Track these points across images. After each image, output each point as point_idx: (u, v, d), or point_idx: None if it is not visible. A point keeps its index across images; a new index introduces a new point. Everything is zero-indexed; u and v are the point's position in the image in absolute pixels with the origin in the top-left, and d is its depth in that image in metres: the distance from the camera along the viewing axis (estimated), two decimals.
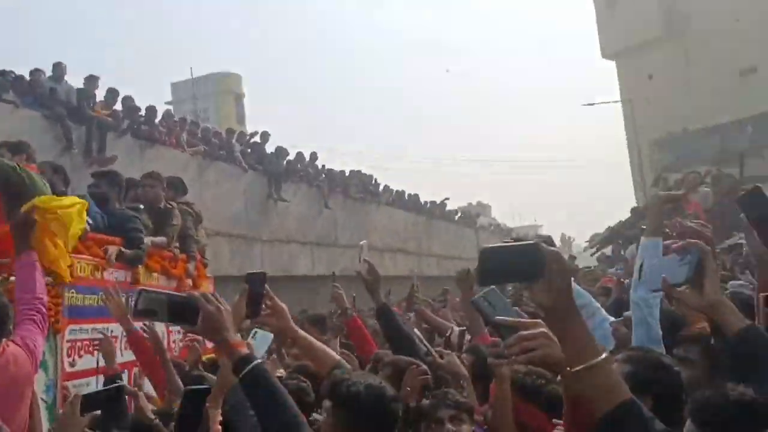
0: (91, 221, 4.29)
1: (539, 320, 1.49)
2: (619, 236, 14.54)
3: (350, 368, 2.52)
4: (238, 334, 1.90)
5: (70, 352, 3.80)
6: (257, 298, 2.21)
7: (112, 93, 11.72)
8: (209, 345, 4.77)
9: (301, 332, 2.57)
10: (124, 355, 3.99)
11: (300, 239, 16.28)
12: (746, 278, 4.38)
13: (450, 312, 5.77)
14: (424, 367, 2.41)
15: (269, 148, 16.05)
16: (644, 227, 2.82)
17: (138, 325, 3.79)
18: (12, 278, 3.09)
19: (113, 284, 4.08)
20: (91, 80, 11.21)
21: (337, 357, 2.50)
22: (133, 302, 1.81)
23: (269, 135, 16.27)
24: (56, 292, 3.62)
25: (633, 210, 15.58)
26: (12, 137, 5.22)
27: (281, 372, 3.35)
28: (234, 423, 2.23)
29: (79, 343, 3.90)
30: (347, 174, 19.57)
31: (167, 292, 1.92)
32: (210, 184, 13.33)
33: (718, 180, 11.11)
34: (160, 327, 4.72)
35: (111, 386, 2.71)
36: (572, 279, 1.35)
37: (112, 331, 4.04)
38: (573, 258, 13.94)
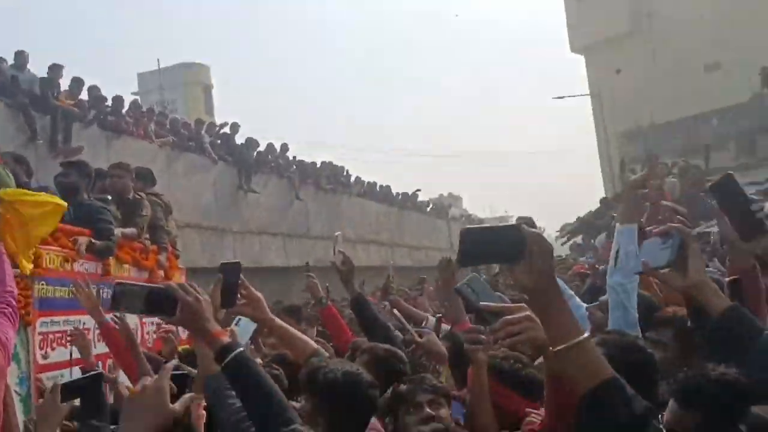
0: None
1: (523, 304, 1.52)
2: (588, 226, 14.81)
3: (328, 356, 2.54)
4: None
5: (42, 344, 3.75)
6: (232, 288, 2.21)
7: (77, 82, 11.46)
8: (184, 336, 4.75)
9: (278, 321, 2.58)
10: (98, 347, 3.94)
11: (271, 231, 16.18)
12: (714, 265, 4.51)
13: (427, 300, 5.81)
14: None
15: (239, 139, 15.93)
16: (615, 215, 2.88)
17: (109, 316, 3.74)
18: None
19: (83, 276, 4.02)
20: (55, 69, 10.94)
21: (315, 345, 2.51)
22: (111, 295, 1.79)
23: (239, 126, 16.12)
24: (25, 285, 3.56)
25: (602, 200, 15.88)
26: None
27: (258, 361, 3.35)
28: (213, 411, 2.23)
29: (51, 336, 3.84)
30: (318, 165, 19.50)
31: (144, 284, 1.91)
32: (179, 176, 13.17)
33: (685, 171, 11.35)
34: (133, 319, 4.68)
35: (90, 373, 2.69)
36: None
37: (84, 324, 3.98)
38: None
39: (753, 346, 1.67)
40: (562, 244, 16.53)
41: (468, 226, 1.32)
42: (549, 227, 18.83)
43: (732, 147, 21.66)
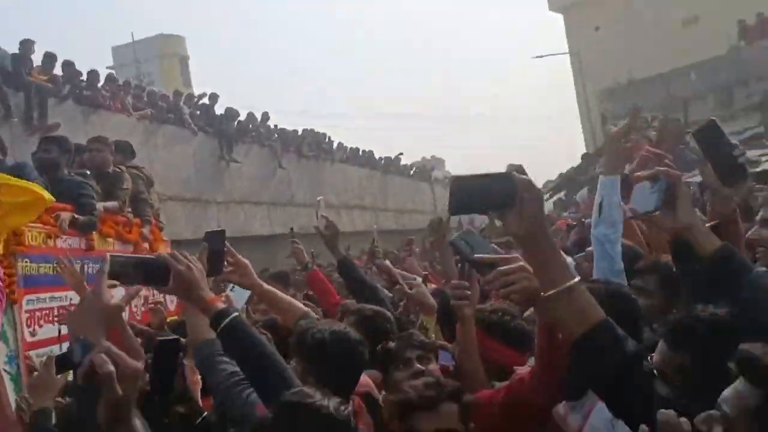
0: None
1: (517, 255, 1.52)
2: (570, 181, 14.92)
3: (317, 318, 2.56)
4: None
5: (29, 322, 3.74)
6: (218, 256, 2.21)
7: (49, 57, 11.20)
8: (172, 308, 4.77)
9: (266, 286, 2.59)
10: None
11: (255, 200, 16.13)
12: None
13: (415, 261, 5.86)
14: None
15: (218, 109, 15.73)
16: (598, 168, 2.90)
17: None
18: None
19: (66, 252, 4.00)
20: (26, 44, 10.64)
21: (304, 308, 2.54)
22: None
23: (218, 96, 15.91)
24: (9, 263, 3.53)
25: (583, 156, 15.99)
26: None
27: None
28: (205, 377, 2.25)
29: (38, 313, 3.83)
30: (300, 133, 19.35)
31: (135, 255, 1.91)
32: (159, 149, 13.02)
33: (665, 125, 11.40)
34: (120, 293, 4.67)
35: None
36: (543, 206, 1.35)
37: (71, 300, 3.97)
38: None
39: (743, 284, 1.68)
40: (545, 201, 16.66)
41: (458, 174, 1.30)
42: None
43: (710, 100, 21.74)
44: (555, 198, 16.35)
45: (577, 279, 1.30)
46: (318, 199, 3.66)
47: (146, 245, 5.38)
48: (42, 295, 3.90)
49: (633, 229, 3.29)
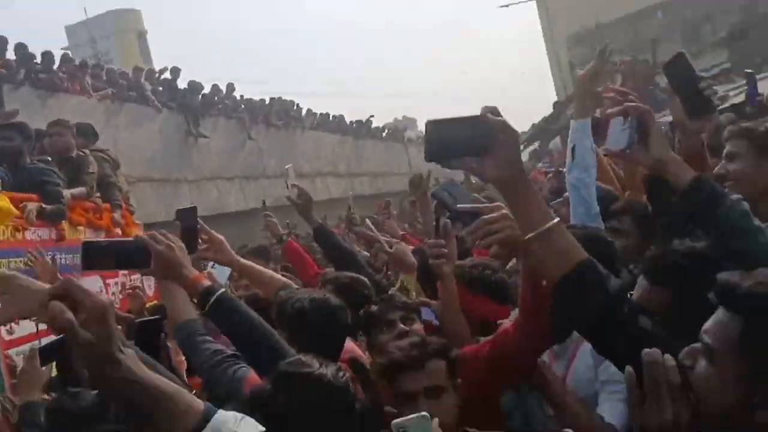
0: None
1: (499, 203, 1.50)
2: (542, 131, 14.97)
3: (296, 287, 2.55)
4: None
5: None
6: (192, 234, 2.18)
7: (0, 41, 10.81)
8: (150, 293, 4.71)
9: (243, 261, 2.57)
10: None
11: (226, 175, 15.95)
12: None
13: (395, 223, 5.85)
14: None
15: (181, 84, 15.39)
16: (570, 114, 2.89)
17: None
18: None
19: (35, 245, 3.90)
20: None
21: (284, 279, 2.52)
22: (81, 255, 1.73)
23: (180, 70, 15.56)
24: None
25: (555, 105, 15.99)
26: None
27: None
28: (188, 357, 2.23)
29: None
30: (267, 102, 19.05)
31: (112, 239, 1.86)
32: (122, 129, 12.74)
33: (633, 66, 11.42)
34: (97, 282, 4.60)
35: (61, 336, 2.66)
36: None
37: None
38: None
39: (719, 212, 1.68)
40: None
41: (432, 119, 1.25)
42: None
43: (678, 38, 21.82)
44: (530, 149, 16.39)
45: (557, 220, 1.28)
46: (286, 167, 3.58)
47: (118, 230, 5.28)
48: None
49: (607, 171, 3.30)
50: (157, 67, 16.62)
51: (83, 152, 5.33)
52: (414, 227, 6.30)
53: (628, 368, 1.11)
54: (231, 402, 1.85)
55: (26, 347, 3.64)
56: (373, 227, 3.54)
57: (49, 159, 4.95)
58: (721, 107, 5.22)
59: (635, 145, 1.72)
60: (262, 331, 1.79)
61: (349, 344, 2.30)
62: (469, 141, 1.24)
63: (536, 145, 15.70)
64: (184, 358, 2.62)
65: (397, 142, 27.43)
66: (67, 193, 4.67)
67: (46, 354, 2.51)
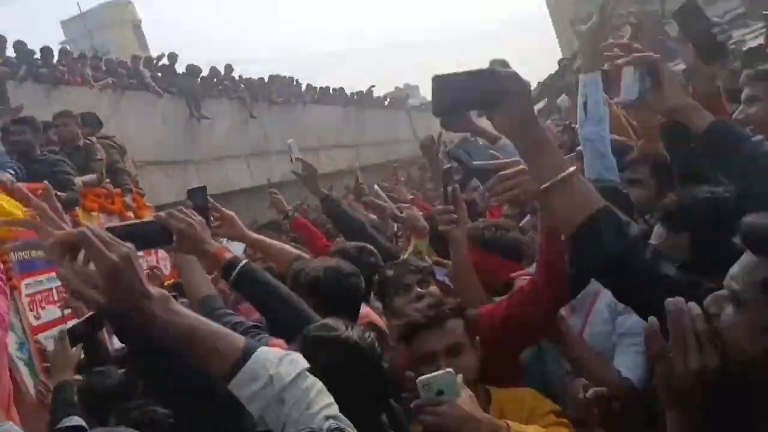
0: (12, 172, 4.10)
1: (516, 159, 1.48)
2: (549, 89, 14.78)
3: (309, 258, 2.57)
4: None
5: (31, 306, 3.75)
6: (203, 212, 2.20)
7: None
8: (167, 272, 4.78)
9: (254, 235, 2.59)
10: None
11: (232, 154, 15.95)
12: None
13: (404, 188, 5.86)
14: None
15: (179, 68, 15.34)
16: (576, 68, 2.86)
17: None
18: None
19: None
20: None
21: (296, 251, 2.54)
22: None
23: (177, 55, 15.51)
24: (1, 251, 3.51)
25: (560, 61, 15.73)
26: None
27: None
28: None
29: (38, 296, 3.83)
30: (266, 80, 18.95)
31: (131, 222, 1.88)
32: (127, 116, 12.73)
33: (642, 18, 11.23)
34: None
35: (88, 315, 2.74)
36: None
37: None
38: None
39: (741, 154, 1.64)
40: None
41: (438, 74, 1.20)
42: None
43: None
44: (538, 107, 16.20)
45: (573, 168, 1.25)
46: (288, 142, 3.57)
47: (131, 214, 5.34)
48: (39, 278, 3.89)
49: (621, 122, 3.27)
50: (154, 55, 16.57)
51: (90, 140, 5.39)
52: (423, 192, 6.30)
53: (652, 318, 1.07)
54: None
55: (54, 331, 3.74)
56: (382, 193, 3.54)
57: (57, 150, 5.01)
58: (738, 50, 5.07)
59: (650, 93, 1.67)
60: (286, 298, 1.80)
61: (365, 309, 2.33)
62: (478, 94, 1.21)
63: (544, 102, 15.49)
64: None
65: (399, 110, 27.23)
66: (78, 180, 4.74)
67: (74, 335, 2.58)
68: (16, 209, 3.07)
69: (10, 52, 11.12)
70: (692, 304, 1.05)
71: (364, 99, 24.07)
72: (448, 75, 1.21)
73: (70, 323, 3.71)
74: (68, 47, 15.35)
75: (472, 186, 4.86)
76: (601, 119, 2.50)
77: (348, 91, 23.25)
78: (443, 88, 1.20)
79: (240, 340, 1.13)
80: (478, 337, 1.82)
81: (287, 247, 2.67)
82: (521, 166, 1.51)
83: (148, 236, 1.75)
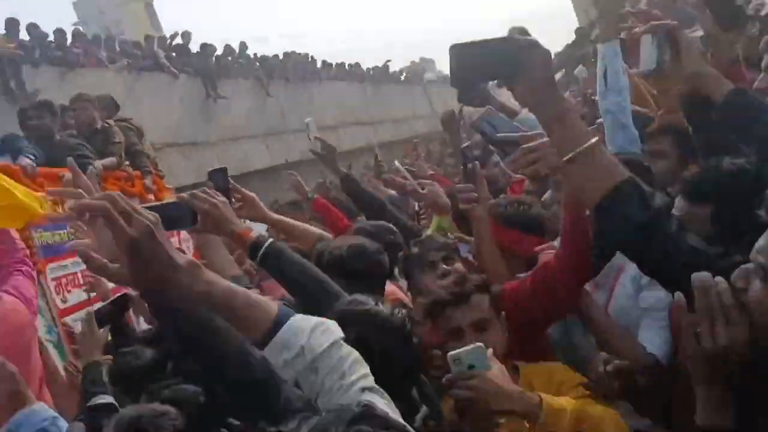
0: (32, 157, 4.14)
1: (540, 131, 1.44)
2: (567, 59, 14.55)
3: (331, 237, 2.57)
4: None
5: (57, 289, 3.80)
6: (224, 194, 2.20)
7: (12, 23, 10.86)
8: (189, 254, 4.82)
9: (276, 216, 2.58)
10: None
11: (250, 133, 15.97)
12: None
13: (424, 164, 5.83)
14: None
15: (194, 47, 15.30)
16: (594, 37, 2.80)
17: None
18: None
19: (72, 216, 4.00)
20: None
21: (318, 231, 2.54)
22: None
23: (190, 34, 15.48)
24: (24, 236, 3.55)
25: (576, 31, 15.46)
26: None
27: None
28: None
29: (64, 279, 3.89)
30: (281, 57, 18.86)
31: (155, 204, 1.87)
32: (143, 98, 12.78)
33: None
34: None
35: (115, 297, 2.79)
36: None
37: None
38: None
39: (763, 123, 1.61)
40: None
41: (456, 42, 1.17)
42: None
43: None
44: (556, 78, 15.95)
45: (596, 139, 1.22)
46: (306, 121, 3.55)
47: (151, 196, 5.37)
48: (63, 262, 3.94)
49: (641, 91, 3.20)
50: (167, 34, 16.53)
51: (108, 123, 5.41)
52: (443, 168, 6.25)
53: (678, 294, 1.06)
54: None
55: (81, 314, 3.80)
56: (403, 169, 3.49)
57: (75, 133, 5.04)
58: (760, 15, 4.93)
59: (668, 62, 1.64)
60: (314, 275, 1.79)
61: (390, 287, 2.32)
62: (497, 63, 1.17)
63: (561, 73, 15.26)
64: None
65: (416, 84, 27.00)
66: (98, 164, 4.75)
67: (100, 317, 2.63)
68: (31, 199, 3.08)
69: (23, 35, 11.14)
70: (719, 279, 1.03)
71: (381, 74, 23.88)
72: (465, 44, 1.17)
73: (97, 306, 3.78)
74: (81, 28, 15.37)
75: (493, 162, 4.83)
76: (621, 89, 2.45)
77: (364, 67, 23.07)
78: (461, 58, 1.16)
79: (273, 308, 1.12)
80: (503, 313, 1.81)
81: (308, 227, 2.66)
82: (546, 139, 1.48)
83: (172, 218, 1.74)
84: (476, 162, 2.18)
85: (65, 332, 3.63)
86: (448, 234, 2.66)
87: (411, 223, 3.45)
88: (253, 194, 2.46)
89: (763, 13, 2.23)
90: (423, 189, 2.88)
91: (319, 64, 20.55)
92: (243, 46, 17.17)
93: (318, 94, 19.28)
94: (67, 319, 3.72)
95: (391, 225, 2.67)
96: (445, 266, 2.17)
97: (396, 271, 2.48)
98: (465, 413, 1.47)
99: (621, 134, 2.47)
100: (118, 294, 2.89)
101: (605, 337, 2.00)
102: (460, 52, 1.16)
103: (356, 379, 1.10)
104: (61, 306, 3.78)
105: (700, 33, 2.62)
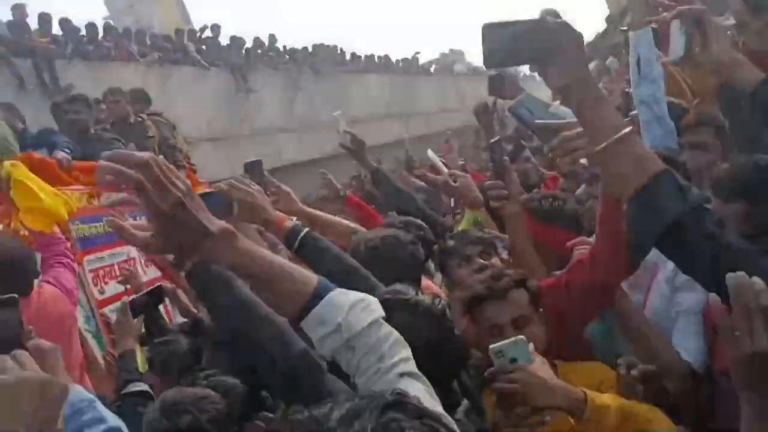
0: (67, 151, 4.22)
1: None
2: (598, 49, 14.30)
3: (365, 230, 2.57)
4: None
5: (95, 281, 3.87)
6: (259, 185, 2.22)
7: (44, 18, 11.04)
8: None
9: (311, 210, 2.59)
10: (148, 274, 4.06)
11: (282, 127, 16.02)
12: None
13: (457, 159, 5.79)
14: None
15: (223, 40, 15.39)
16: (624, 28, 2.73)
17: None
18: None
19: (111, 210, 4.06)
20: (19, 8, 10.46)
21: (352, 224, 2.54)
22: None
23: (220, 27, 15.55)
24: (62, 229, 3.62)
25: (607, 19, 15.18)
26: None
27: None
28: None
29: (101, 271, 3.95)
30: (310, 50, 18.87)
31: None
32: (175, 92, 12.89)
33: None
34: None
35: (151, 288, 2.83)
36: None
37: (129, 254, 4.09)
38: None
39: None
40: None
41: (488, 22, 1.15)
42: None
43: None
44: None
45: (629, 128, 1.17)
46: (335, 114, 3.54)
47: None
48: (100, 254, 4.01)
49: (676, 80, 3.12)
50: (196, 27, 16.65)
51: (141, 117, 5.48)
52: (477, 163, 6.20)
53: (713, 296, 1.02)
54: None
55: (118, 304, 3.87)
56: (436, 158, 3.43)
57: (108, 127, 5.11)
58: None
59: (696, 49, 1.58)
60: (350, 264, 1.79)
61: (424, 282, 2.31)
62: (529, 46, 1.14)
63: (593, 64, 14.98)
64: None
65: (446, 76, 26.78)
66: None
67: (135, 308, 2.68)
68: (59, 203, 3.14)
69: (56, 30, 11.29)
70: (756, 279, 0.98)
71: (410, 66, 23.74)
72: (498, 24, 1.14)
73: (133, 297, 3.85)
74: (111, 22, 15.56)
75: (524, 157, 4.76)
76: (655, 78, 2.37)
77: (393, 59, 22.97)
78: (493, 38, 1.14)
79: (312, 281, 1.10)
80: (541, 309, 1.78)
81: (342, 220, 2.66)
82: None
83: (208, 208, 1.76)
84: (506, 158, 2.15)
85: (103, 322, 3.69)
86: (485, 228, 2.62)
87: (442, 219, 3.42)
88: (288, 189, 2.47)
89: None
90: (455, 181, 2.84)
91: (348, 57, 20.52)
92: (272, 38, 17.21)
93: (348, 86, 19.23)
94: (105, 310, 3.78)
95: (420, 221, 2.65)
96: (481, 260, 2.14)
97: (428, 267, 2.47)
98: (508, 407, 1.44)
99: (657, 126, 2.40)
100: (153, 285, 2.94)
101: (639, 339, 1.95)
102: (492, 32, 1.14)
103: (396, 362, 1.06)
104: (99, 297, 3.85)
105: (732, 21, 2.54)
